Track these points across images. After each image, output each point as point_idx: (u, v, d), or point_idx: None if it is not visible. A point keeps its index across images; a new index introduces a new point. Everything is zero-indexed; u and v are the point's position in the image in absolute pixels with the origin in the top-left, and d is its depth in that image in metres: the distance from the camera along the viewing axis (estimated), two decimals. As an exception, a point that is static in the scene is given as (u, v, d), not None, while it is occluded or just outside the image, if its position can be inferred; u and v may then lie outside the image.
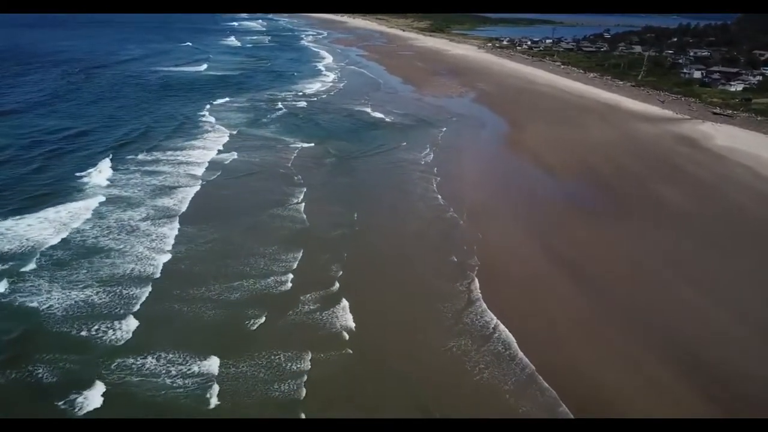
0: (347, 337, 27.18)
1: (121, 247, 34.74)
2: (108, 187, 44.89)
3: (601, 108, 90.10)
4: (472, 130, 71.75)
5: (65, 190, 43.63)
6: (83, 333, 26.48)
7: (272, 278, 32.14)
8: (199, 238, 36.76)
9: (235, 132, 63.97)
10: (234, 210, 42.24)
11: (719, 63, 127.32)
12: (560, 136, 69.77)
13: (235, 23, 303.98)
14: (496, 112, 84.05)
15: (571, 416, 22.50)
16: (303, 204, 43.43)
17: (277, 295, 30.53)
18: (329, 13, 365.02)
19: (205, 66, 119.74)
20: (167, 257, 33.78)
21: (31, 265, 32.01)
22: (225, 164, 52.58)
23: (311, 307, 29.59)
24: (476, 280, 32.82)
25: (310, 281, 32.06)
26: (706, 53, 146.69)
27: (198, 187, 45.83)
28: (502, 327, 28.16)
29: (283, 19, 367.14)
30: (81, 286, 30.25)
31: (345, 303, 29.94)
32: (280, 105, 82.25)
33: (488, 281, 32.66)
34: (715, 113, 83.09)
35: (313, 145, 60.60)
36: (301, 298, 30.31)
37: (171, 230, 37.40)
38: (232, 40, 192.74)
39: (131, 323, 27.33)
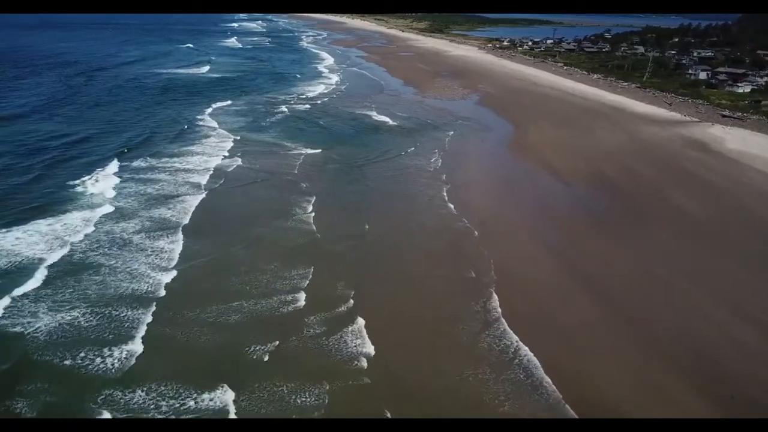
0: (365, 364, 25.46)
1: (118, 264, 32.95)
2: (105, 197, 43.09)
3: (607, 110, 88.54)
4: (478, 134, 70.13)
5: (60, 201, 41.84)
6: (71, 362, 24.60)
7: (283, 297, 30.51)
8: (203, 254, 35.02)
9: (238, 137, 62.32)
10: (239, 222, 40.54)
11: (724, 64, 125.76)
12: (568, 139, 68.21)
13: (235, 24, 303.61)
14: (501, 115, 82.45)
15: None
16: (312, 214, 41.80)
17: (289, 317, 28.85)
18: (328, 14, 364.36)
19: (206, 68, 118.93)
20: (169, 276, 32.00)
21: (18, 286, 30.06)
22: (229, 171, 50.95)
23: (325, 330, 27.95)
24: (495, 297, 31.33)
25: (323, 300, 30.42)
26: (709, 54, 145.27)
27: (201, 197, 44.09)
28: (526, 351, 26.60)
29: (282, 20, 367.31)
30: (70, 308, 28.42)
31: (361, 324, 28.36)
32: (283, 108, 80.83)
33: (507, 299, 31.10)
34: (724, 116, 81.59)
35: (318, 151, 58.97)
36: (314, 319, 28.71)
37: (172, 245, 35.66)
38: (233, 42, 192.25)
39: (129, 351, 25.53)
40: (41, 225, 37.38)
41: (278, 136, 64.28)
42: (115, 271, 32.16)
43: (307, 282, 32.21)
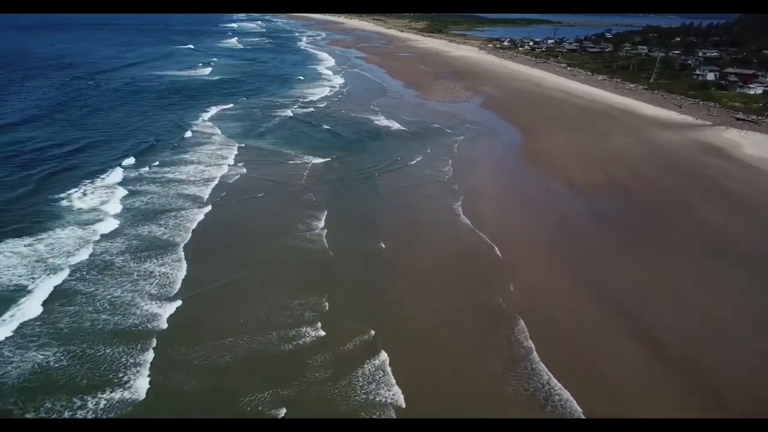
0: (394, 414, 22.64)
1: (110, 293, 29.93)
2: (96, 214, 40.01)
3: (616, 113, 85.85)
4: (486, 140, 67.22)
5: (45, 218, 38.78)
6: (49, 414, 21.74)
7: (297, 331, 27.72)
8: (206, 281, 31.91)
9: (241, 145, 59.47)
10: (245, 241, 37.42)
11: (730, 64, 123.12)
12: (579, 145, 65.45)
13: (234, 24, 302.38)
14: (507, 119, 79.68)
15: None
16: (324, 231, 38.87)
17: (304, 356, 25.94)
18: (327, 14, 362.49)
19: (208, 70, 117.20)
20: (170, 308, 28.93)
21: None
22: (232, 183, 48.06)
23: (346, 371, 25.05)
24: (524, 327, 28.64)
25: (342, 334, 27.57)
26: (715, 54, 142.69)
27: (202, 213, 41.11)
28: (566, 395, 23.85)
29: (281, 20, 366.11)
30: (51, 347, 25.43)
31: (385, 362, 25.61)
32: (285, 112, 78.38)
33: (538, 332, 28.32)
34: (738, 119, 78.97)
35: (324, 159, 56.01)
36: (334, 356, 25.98)
37: (172, 270, 32.51)
38: (234, 42, 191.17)
39: (126, 398, 22.65)
40: (20, 245, 34.30)
41: (282, 144, 61.30)
42: (111, 303, 29.03)
43: (323, 312, 29.38)
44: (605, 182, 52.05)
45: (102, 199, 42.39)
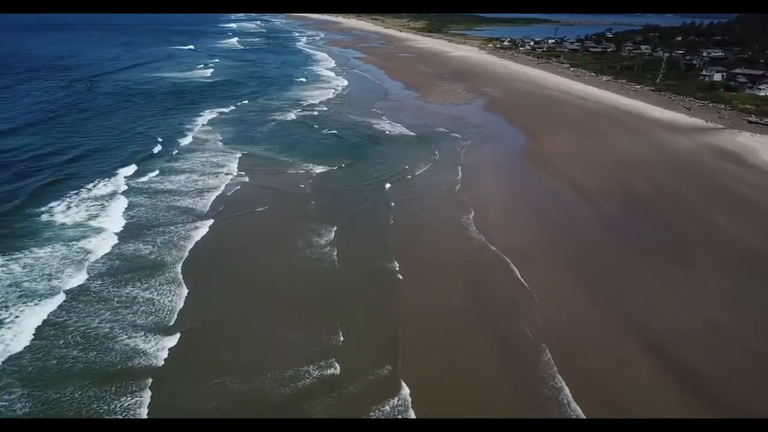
0: None
1: (94, 327, 26.94)
2: (81, 229, 37.17)
3: (623, 116, 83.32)
4: (493, 146, 64.47)
5: (27, 232, 35.99)
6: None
7: (309, 368, 24.96)
8: (206, 310, 29.10)
9: (243, 153, 56.68)
10: (248, 261, 34.48)
11: (736, 64, 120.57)
12: (587, 150, 62.91)
13: (234, 24, 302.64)
14: (512, 123, 77.10)
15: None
16: (333, 251, 35.91)
17: (320, 397, 23.33)
18: (326, 14, 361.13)
19: (209, 72, 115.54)
20: (167, 342, 26.07)
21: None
22: (232, 195, 45.17)
23: (368, 407, 22.64)
24: (550, 358, 26.09)
25: (358, 370, 24.88)
26: (720, 53, 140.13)
27: (201, 229, 38.21)
28: None
29: (279, 20, 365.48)
30: (17, 394, 22.65)
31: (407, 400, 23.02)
32: (289, 116, 76.17)
33: (566, 366, 25.65)
34: (750, 122, 76.42)
35: (328, 168, 53.23)
36: (354, 396, 23.40)
37: (168, 297, 29.56)
38: (234, 43, 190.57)
39: None
40: (-5, 266, 31.62)
41: (284, 151, 58.44)
42: (100, 337, 26.21)
43: (337, 345, 26.64)
44: (618, 191, 49.45)
45: (90, 213, 39.68)
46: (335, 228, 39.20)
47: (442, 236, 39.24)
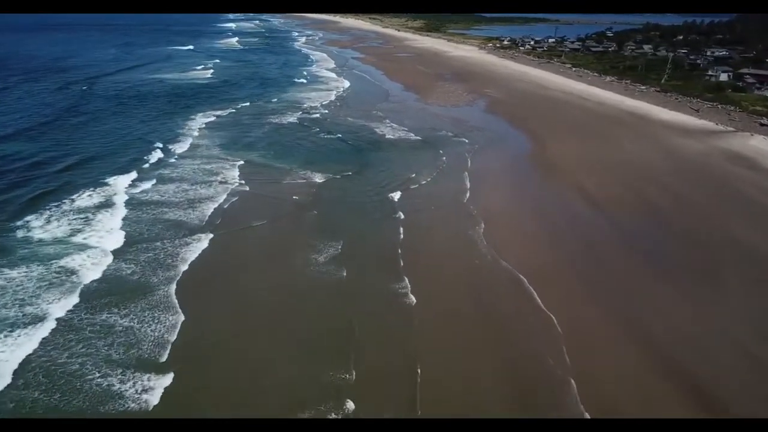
0: None
1: (76, 365, 24.30)
2: (62, 246, 34.65)
3: (630, 118, 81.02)
4: (498, 152, 62.00)
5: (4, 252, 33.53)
6: None
7: (322, 407, 22.66)
8: (204, 338, 26.63)
9: (242, 161, 54.15)
10: (246, 285, 31.67)
11: (742, 64, 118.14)
12: (595, 155, 60.60)
13: (233, 24, 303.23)
14: (516, 126, 74.78)
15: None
16: (340, 272, 33.30)
17: None
18: (324, 13, 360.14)
19: (209, 73, 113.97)
20: (161, 381, 23.55)
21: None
22: (230, 208, 42.61)
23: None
24: (580, 402, 23.73)
25: (376, 417, 22.23)
26: (724, 53, 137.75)
27: (196, 247, 35.50)
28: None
29: (277, 20, 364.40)
30: None
31: None
32: (289, 120, 74.04)
33: (598, 408, 23.25)
34: (762, 124, 74.09)
35: (332, 176, 50.84)
36: None
37: (159, 325, 26.97)
38: (234, 43, 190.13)
39: None
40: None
41: (285, 158, 55.85)
42: (82, 378, 23.64)
43: (350, 382, 24.18)
44: (632, 200, 47.07)
45: (73, 227, 37.15)
46: (341, 244, 36.76)
47: (454, 253, 36.68)
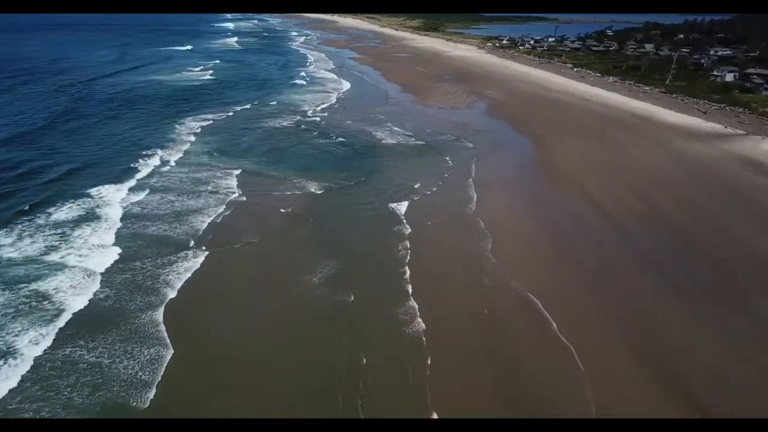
0: None
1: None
2: (31, 268, 32.02)
3: (636, 121, 78.64)
4: (503, 158, 59.43)
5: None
6: None
7: None
8: (190, 383, 23.95)
9: (239, 168, 51.71)
10: (240, 319, 28.53)
11: (748, 64, 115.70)
12: (603, 161, 58.18)
13: (231, 24, 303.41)
14: (520, 130, 72.36)
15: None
16: (350, 296, 30.71)
17: None
18: (323, 13, 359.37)
19: (208, 74, 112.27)
20: None
21: None
22: (227, 222, 40.04)
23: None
24: None
25: None
26: (728, 52, 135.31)
27: (188, 270, 32.65)
28: None
29: (275, 19, 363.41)
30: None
31: None
32: (288, 124, 71.69)
33: None
34: (774, 127, 71.75)
35: (334, 186, 48.47)
36: None
37: (147, 371, 24.16)
38: (233, 43, 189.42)
39: None
40: None
41: (285, 167, 53.16)
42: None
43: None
44: (646, 212, 44.55)
45: (48, 244, 34.55)
46: (344, 264, 34.21)
47: (464, 274, 34.15)
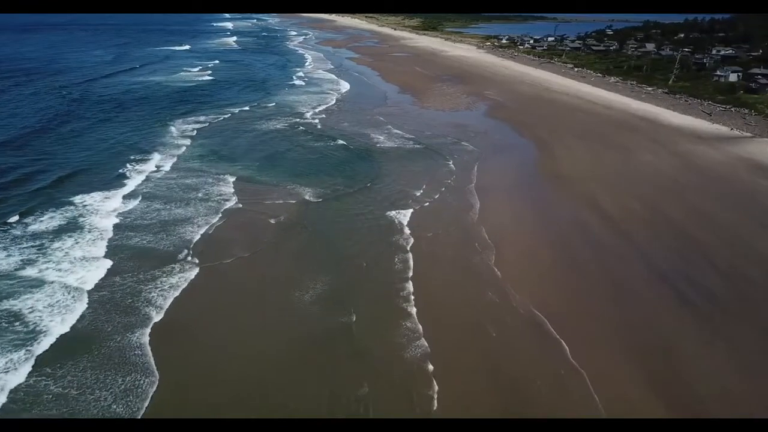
0: None
1: None
2: (11, 280, 30.41)
3: (639, 123, 77.10)
4: (505, 162, 57.84)
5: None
6: None
7: None
8: (182, 404, 22.54)
9: (234, 175, 49.99)
10: (232, 348, 26.37)
11: (750, 63, 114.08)
12: (610, 167, 56.58)
13: (230, 24, 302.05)
14: (521, 133, 70.69)
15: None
16: (352, 317, 28.85)
17: None
18: (322, 13, 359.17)
19: (205, 76, 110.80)
20: None
21: None
22: (215, 234, 38.20)
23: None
24: None
25: None
26: (731, 52, 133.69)
27: (177, 288, 30.80)
28: None
29: (273, 19, 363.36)
30: None
31: None
32: (286, 126, 70.24)
33: None
34: (781, 129, 70.20)
35: (334, 193, 46.94)
36: None
37: (131, 401, 22.48)
38: (232, 43, 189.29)
39: None
40: None
41: (280, 172, 51.51)
42: None
43: None
44: (656, 221, 42.90)
45: (26, 257, 32.87)
46: (344, 282, 32.46)
47: (470, 292, 32.50)
